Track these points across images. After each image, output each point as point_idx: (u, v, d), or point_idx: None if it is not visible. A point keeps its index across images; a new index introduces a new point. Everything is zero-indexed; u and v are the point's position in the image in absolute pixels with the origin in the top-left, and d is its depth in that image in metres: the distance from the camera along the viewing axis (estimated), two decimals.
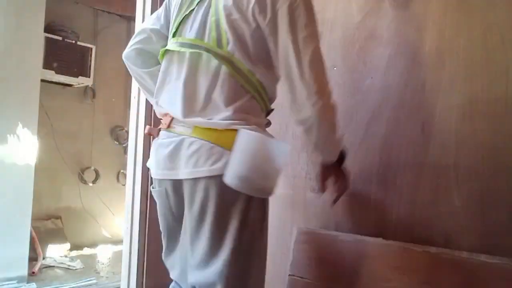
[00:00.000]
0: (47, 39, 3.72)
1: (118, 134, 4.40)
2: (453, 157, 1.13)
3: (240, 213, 1.02)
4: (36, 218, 3.69)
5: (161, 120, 1.16)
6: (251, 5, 1.02)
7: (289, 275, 1.26)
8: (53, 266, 3.56)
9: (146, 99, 1.84)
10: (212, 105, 1.05)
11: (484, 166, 1.07)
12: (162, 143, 1.12)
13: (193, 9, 1.12)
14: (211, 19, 1.08)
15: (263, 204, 1.08)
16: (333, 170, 1.22)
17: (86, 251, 4.11)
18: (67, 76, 3.94)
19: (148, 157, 1.22)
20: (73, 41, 3.96)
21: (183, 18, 1.14)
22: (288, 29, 1.01)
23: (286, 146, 1.16)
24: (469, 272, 0.93)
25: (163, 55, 1.18)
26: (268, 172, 1.04)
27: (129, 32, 4.57)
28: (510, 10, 1.06)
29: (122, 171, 4.39)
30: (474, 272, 0.93)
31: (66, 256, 3.82)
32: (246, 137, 1.01)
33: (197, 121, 1.05)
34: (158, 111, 1.18)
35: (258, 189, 1.03)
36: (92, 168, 4.32)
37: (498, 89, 1.06)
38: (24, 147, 3.05)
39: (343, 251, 1.18)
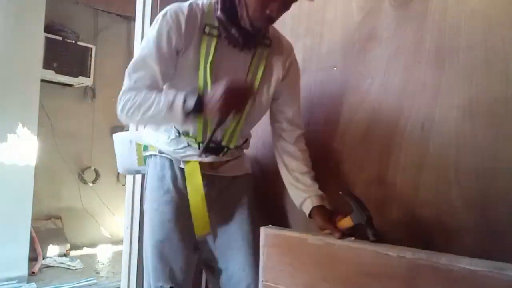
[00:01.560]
0: (47, 39, 3.72)
1: None
2: (453, 157, 1.13)
3: None
4: (36, 218, 3.70)
5: None
6: None
7: (263, 281, 1.17)
8: (53, 266, 3.56)
9: None
10: None
11: (484, 166, 1.07)
12: None
13: None
14: None
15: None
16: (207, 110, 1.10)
17: (86, 251, 4.11)
18: (67, 76, 3.94)
19: None
20: (73, 41, 3.96)
21: None
22: None
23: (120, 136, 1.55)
24: (449, 280, 0.85)
25: None
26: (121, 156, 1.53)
27: (129, 32, 4.57)
28: (510, 10, 1.06)
29: None
30: (455, 280, 0.85)
31: (66, 256, 3.82)
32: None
33: None
34: None
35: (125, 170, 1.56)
36: (92, 168, 4.32)
37: (498, 89, 1.06)
38: (24, 147, 3.05)
39: (314, 256, 1.08)
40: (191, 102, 1.07)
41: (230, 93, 1.04)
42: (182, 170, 1.30)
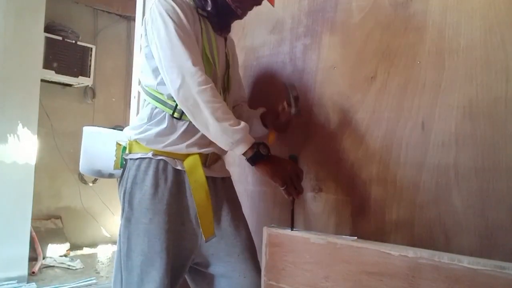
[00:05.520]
0: (47, 39, 3.73)
1: None
2: (453, 157, 1.13)
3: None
4: (36, 218, 3.70)
5: None
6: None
7: (265, 280, 1.17)
8: (53, 266, 3.56)
9: None
10: None
11: (484, 166, 1.07)
12: None
13: None
14: None
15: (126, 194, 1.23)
16: (256, 169, 1.18)
17: (86, 251, 4.12)
18: (67, 76, 3.95)
19: None
20: (73, 41, 3.96)
21: None
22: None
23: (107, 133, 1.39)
24: (450, 278, 0.86)
25: None
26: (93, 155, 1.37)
27: (129, 32, 4.57)
28: (510, 10, 1.06)
29: None
30: (456, 279, 0.85)
31: (66, 256, 3.82)
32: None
33: None
34: None
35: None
36: None
37: (498, 89, 1.06)
38: (24, 147, 3.05)
39: (316, 255, 1.08)
40: (264, 150, 1.15)
41: (293, 173, 1.19)
42: (177, 172, 1.22)
